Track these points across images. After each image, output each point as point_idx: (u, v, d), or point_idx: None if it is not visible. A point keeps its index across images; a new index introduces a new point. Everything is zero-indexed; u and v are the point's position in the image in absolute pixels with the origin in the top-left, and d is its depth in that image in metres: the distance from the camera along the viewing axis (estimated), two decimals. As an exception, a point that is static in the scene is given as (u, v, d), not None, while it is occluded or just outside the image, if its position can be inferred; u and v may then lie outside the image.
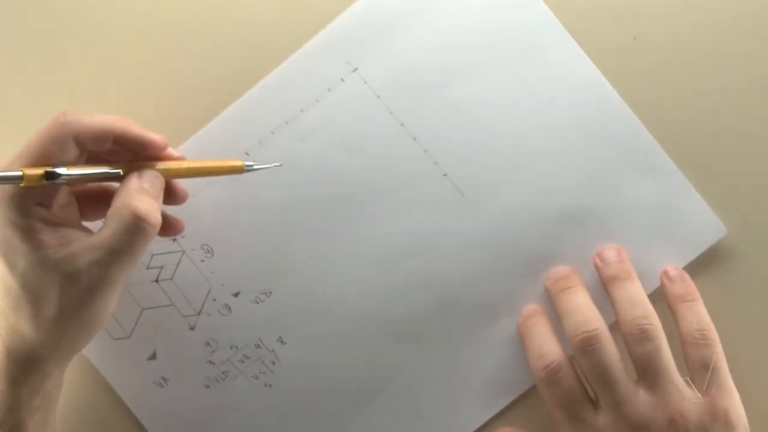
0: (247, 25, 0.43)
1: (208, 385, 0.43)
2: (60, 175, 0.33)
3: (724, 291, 0.42)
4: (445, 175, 0.42)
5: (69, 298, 0.34)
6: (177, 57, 0.43)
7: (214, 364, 0.43)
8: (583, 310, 0.40)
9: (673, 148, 0.42)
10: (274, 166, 0.41)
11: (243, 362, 0.43)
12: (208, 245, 0.42)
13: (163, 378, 0.43)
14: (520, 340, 0.42)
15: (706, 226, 0.42)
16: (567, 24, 0.42)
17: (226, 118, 0.42)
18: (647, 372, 0.38)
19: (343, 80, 0.42)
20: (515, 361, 0.42)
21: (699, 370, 0.39)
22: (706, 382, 0.38)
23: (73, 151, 0.34)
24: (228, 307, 0.43)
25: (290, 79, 0.42)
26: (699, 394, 0.38)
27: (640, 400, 0.38)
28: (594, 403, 0.39)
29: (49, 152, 0.33)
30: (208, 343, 0.43)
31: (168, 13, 0.43)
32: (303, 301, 0.43)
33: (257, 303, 0.43)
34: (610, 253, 0.41)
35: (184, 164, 0.37)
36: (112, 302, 0.36)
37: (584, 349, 0.38)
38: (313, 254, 0.42)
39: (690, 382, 0.39)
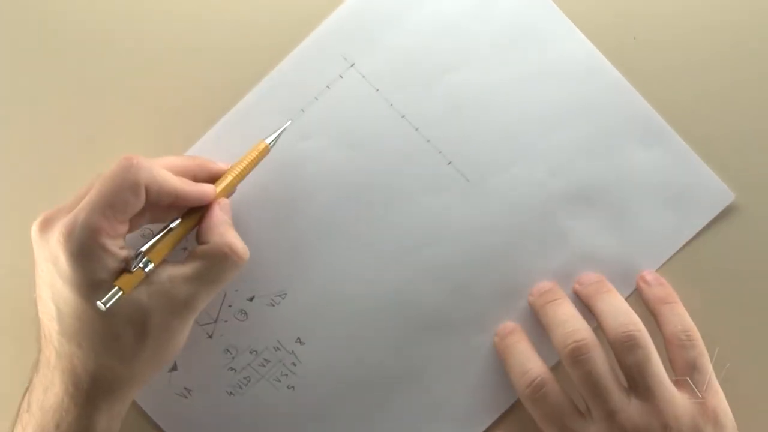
0: (242, 28, 0.43)
1: (231, 392, 0.43)
2: (148, 265, 0.35)
3: (736, 255, 0.42)
4: (449, 163, 0.42)
5: (163, 328, 0.35)
6: (175, 61, 0.43)
7: (235, 370, 0.43)
8: (571, 321, 0.40)
9: (674, 118, 0.42)
10: (287, 125, 0.41)
11: (264, 366, 0.43)
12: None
13: (185, 389, 0.43)
14: (501, 359, 0.42)
15: (713, 193, 0.42)
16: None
17: (227, 123, 0.42)
18: (639, 380, 0.38)
19: (341, 76, 0.42)
20: (538, 344, 0.42)
21: (686, 372, 0.39)
22: (695, 384, 0.38)
23: (142, 199, 0.34)
24: (244, 312, 0.43)
25: (288, 79, 0.42)
26: (689, 397, 0.38)
27: (633, 408, 0.38)
28: (583, 414, 0.39)
29: (124, 201, 0.34)
30: (228, 350, 0.43)
31: (163, 17, 0.43)
32: (318, 300, 0.43)
33: (273, 305, 0.43)
34: (588, 275, 0.42)
35: (233, 177, 0.39)
36: (191, 327, 0.38)
37: (574, 359, 0.38)
38: (324, 252, 0.42)
39: (678, 384, 0.39)
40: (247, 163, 0.39)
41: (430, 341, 0.43)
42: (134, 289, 0.34)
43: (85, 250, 0.33)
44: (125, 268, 0.34)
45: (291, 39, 0.42)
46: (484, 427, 0.43)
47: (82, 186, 0.37)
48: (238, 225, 0.42)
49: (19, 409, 0.37)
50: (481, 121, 0.42)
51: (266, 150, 0.40)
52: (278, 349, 0.43)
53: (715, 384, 0.39)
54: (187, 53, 0.43)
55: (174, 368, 0.43)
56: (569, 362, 0.39)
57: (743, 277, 0.42)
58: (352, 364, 0.43)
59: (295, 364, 0.43)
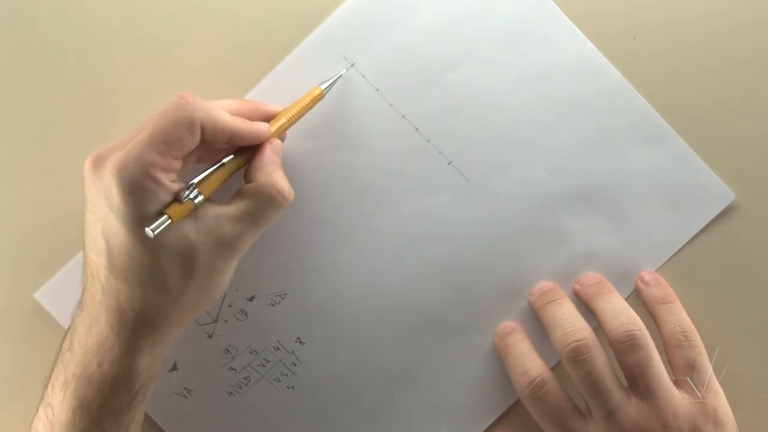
0: (242, 28, 0.43)
1: (231, 392, 0.43)
2: (197, 196, 0.35)
3: (736, 255, 0.42)
4: (449, 163, 0.42)
5: (209, 265, 0.35)
6: (174, 62, 0.43)
7: (235, 370, 0.43)
8: (571, 320, 0.40)
9: (674, 118, 0.42)
10: (343, 73, 0.41)
11: (264, 366, 0.43)
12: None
13: (185, 389, 0.43)
14: (500, 359, 0.42)
15: (713, 193, 0.42)
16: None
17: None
18: (639, 379, 0.38)
19: (341, 76, 0.42)
20: (538, 344, 0.42)
21: (685, 372, 0.39)
22: (695, 384, 0.38)
23: (198, 137, 0.35)
24: (244, 312, 0.43)
25: (288, 79, 0.42)
26: (689, 396, 0.38)
27: (633, 407, 0.38)
28: (582, 413, 0.39)
29: (180, 137, 0.34)
30: (227, 350, 0.43)
31: (163, 18, 0.43)
32: (318, 300, 0.43)
33: (273, 305, 0.43)
34: (588, 275, 0.42)
35: (286, 119, 0.39)
36: (234, 269, 0.38)
37: (574, 359, 0.38)
38: (324, 253, 0.42)
39: (678, 384, 0.39)
40: (301, 106, 0.39)
41: (430, 341, 0.43)
42: (182, 220, 0.34)
43: (138, 183, 0.33)
44: (176, 199, 0.34)
45: (291, 39, 0.42)
46: (484, 427, 0.43)
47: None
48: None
49: (60, 348, 0.37)
50: (481, 121, 0.42)
51: (321, 95, 0.40)
52: (278, 349, 0.43)
53: (715, 384, 0.39)
54: (187, 53, 0.43)
55: (174, 368, 0.43)
56: (569, 362, 0.39)
57: (743, 277, 0.42)
58: (351, 364, 0.43)
59: (295, 364, 0.43)
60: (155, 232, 0.33)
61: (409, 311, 0.43)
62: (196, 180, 0.35)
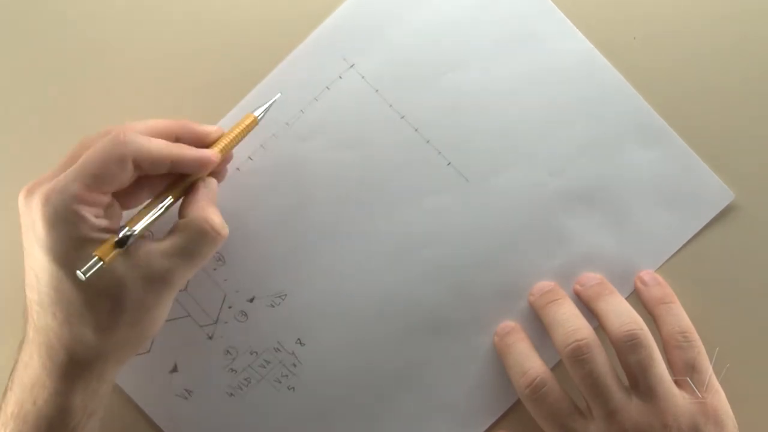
0: (241, 29, 0.42)
1: (231, 394, 0.43)
2: (129, 237, 0.34)
3: (736, 255, 0.42)
4: (449, 163, 0.42)
5: (139, 302, 0.35)
6: (174, 62, 0.43)
7: (236, 371, 0.43)
8: (572, 320, 0.40)
9: (674, 118, 0.42)
10: (276, 99, 0.41)
11: (264, 367, 0.43)
12: (219, 253, 0.42)
13: (186, 390, 0.43)
14: (500, 359, 0.42)
15: (713, 193, 0.42)
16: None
17: (226, 124, 0.42)
18: (641, 379, 0.38)
19: (340, 77, 0.42)
20: (539, 344, 0.42)
21: (685, 372, 0.39)
22: (694, 384, 0.39)
23: (130, 173, 0.34)
24: (244, 314, 0.43)
25: (288, 80, 0.42)
26: (690, 396, 0.38)
27: (634, 407, 0.38)
28: (582, 413, 0.39)
29: (109, 173, 0.33)
30: (228, 351, 0.43)
31: (163, 18, 0.43)
32: (318, 300, 0.43)
33: (273, 306, 0.43)
34: (589, 276, 0.42)
35: (221, 146, 0.38)
36: (170, 305, 0.37)
37: (575, 358, 0.38)
38: (324, 253, 0.42)
39: (678, 384, 0.39)
40: (234, 134, 0.38)
41: (430, 341, 0.43)
42: (113, 257, 0.33)
43: (61, 215, 0.33)
44: (104, 239, 0.34)
45: (291, 39, 0.42)
46: (485, 428, 0.43)
47: (66, 154, 0.36)
48: (237, 227, 0.42)
49: (6, 389, 0.37)
50: (481, 121, 0.42)
51: (254, 123, 0.39)
52: (278, 350, 0.43)
53: (715, 384, 0.39)
54: (187, 54, 0.43)
55: (174, 369, 0.43)
56: (570, 361, 0.39)
57: (743, 277, 0.42)
58: (352, 364, 0.43)
59: (295, 365, 0.43)
60: (87, 275, 0.32)
61: (409, 311, 0.43)
62: (131, 220, 0.35)
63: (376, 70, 0.42)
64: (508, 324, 0.42)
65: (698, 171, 0.42)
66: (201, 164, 0.37)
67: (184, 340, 0.43)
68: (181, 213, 0.37)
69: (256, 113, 0.40)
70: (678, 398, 0.38)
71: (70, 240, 0.33)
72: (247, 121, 0.39)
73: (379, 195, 0.42)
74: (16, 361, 0.37)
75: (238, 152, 0.42)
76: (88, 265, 0.32)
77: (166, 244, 0.35)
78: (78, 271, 0.32)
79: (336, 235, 0.42)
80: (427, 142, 0.42)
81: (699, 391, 0.38)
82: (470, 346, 0.43)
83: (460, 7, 0.42)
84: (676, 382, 0.39)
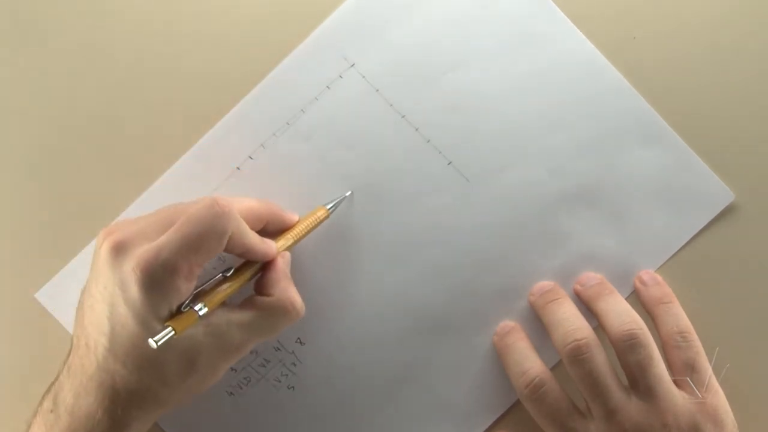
0: (242, 28, 0.43)
1: (231, 393, 0.43)
2: (202, 309, 0.34)
3: (736, 255, 0.42)
4: (449, 163, 0.42)
5: (210, 366, 0.36)
6: (174, 61, 0.43)
7: (236, 370, 0.43)
8: (572, 320, 0.40)
9: (674, 118, 0.42)
10: (348, 195, 0.42)
11: (264, 366, 0.43)
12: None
13: (186, 389, 0.43)
14: (500, 359, 0.42)
15: (713, 193, 0.42)
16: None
17: (226, 124, 0.42)
18: (640, 379, 0.38)
19: (341, 77, 0.42)
20: (539, 344, 0.42)
21: (684, 372, 0.39)
22: (694, 384, 0.39)
23: (223, 248, 0.35)
24: (244, 313, 0.43)
25: (288, 79, 0.42)
26: (689, 396, 0.38)
27: (633, 407, 0.38)
28: (582, 413, 0.39)
29: (208, 247, 0.34)
30: (228, 350, 0.43)
31: (163, 18, 0.43)
32: (318, 300, 0.42)
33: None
34: (589, 276, 0.42)
35: (293, 240, 0.39)
36: None
37: (575, 358, 0.38)
38: (324, 253, 0.42)
39: (678, 384, 0.39)
40: (305, 226, 0.40)
41: (430, 341, 0.43)
42: (186, 330, 0.34)
43: (159, 288, 0.33)
44: (180, 308, 0.34)
45: (291, 39, 0.42)
46: (485, 427, 0.43)
47: (158, 210, 0.37)
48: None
49: (41, 404, 0.37)
50: (481, 121, 0.42)
51: (326, 215, 0.41)
52: (278, 349, 0.43)
53: (715, 383, 0.39)
54: (187, 53, 0.43)
55: (174, 368, 0.43)
56: (570, 361, 0.39)
57: (743, 277, 0.42)
58: (351, 364, 0.43)
59: (295, 365, 0.43)
60: (158, 344, 0.32)
61: (409, 311, 0.43)
62: (203, 291, 0.36)
63: (376, 70, 0.42)
64: (508, 324, 0.42)
65: (698, 171, 0.42)
66: (265, 256, 0.37)
67: (184, 339, 0.43)
68: (262, 290, 0.38)
69: (328, 207, 0.41)
70: (677, 398, 0.38)
71: (163, 311, 0.34)
72: (319, 214, 0.40)
73: (379, 194, 0.42)
74: (58, 382, 0.37)
75: (239, 152, 0.42)
76: (161, 334, 0.32)
77: (247, 318, 0.36)
78: (150, 339, 0.32)
79: (335, 234, 0.42)
80: (428, 141, 0.42)
81: (698, 391, 0.38)
82: (470, 345, 0.43)
83: (460, 7, 0.42)
84: (676, 382, 0.39)
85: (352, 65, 0.42)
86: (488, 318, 0.43)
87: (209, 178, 0.42)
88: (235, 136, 0.42)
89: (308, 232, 0.40)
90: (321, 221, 0.41)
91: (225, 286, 0.36)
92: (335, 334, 0.43)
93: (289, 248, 0.39)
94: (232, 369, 0.43)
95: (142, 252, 0.34)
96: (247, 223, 0.36)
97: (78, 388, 0.35)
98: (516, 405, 0.43)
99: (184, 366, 0.35)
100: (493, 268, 0.42)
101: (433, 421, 0.43)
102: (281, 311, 0.37)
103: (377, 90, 0.42)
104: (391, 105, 0.42)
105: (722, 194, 0.42)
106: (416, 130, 0.42)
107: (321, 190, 0.42)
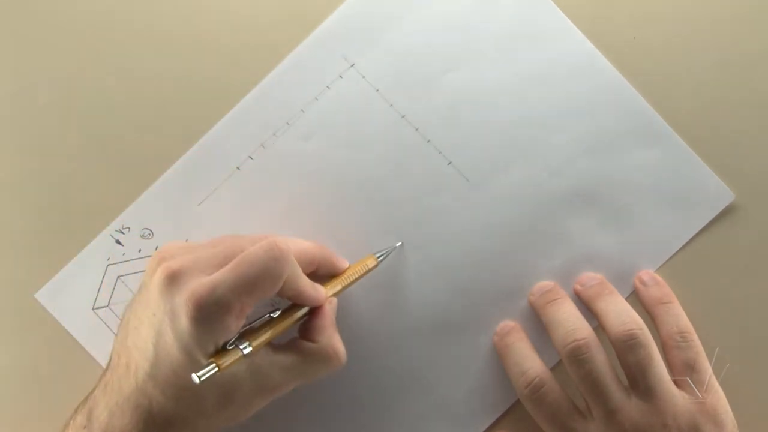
0: (242, 28, 0.43)
1: (231, 392, 0.43)
2: (247, 347, 0.34)
3: (736, 255, 0.42)
4: (449, 163, 0.42)
5: (247, 402, 0.36)
6: (174, 61, 0.43)
7: (236, 370, 0.43)
8: (572, 320, 0.40)
9: (674, 118, 0.42)
10: (398, 246, 0.42)
11: (264, 366, 0.43)
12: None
13: (185, 389, 0.43)
14: (500, 359, 0.42)
15: (713, 193, 0.42)
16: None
17: (226, 124, 0.42)
18: (640, 379, 0.38)
19: (341, 77, 0.42)
20: (539, 344, 0.42)
21: (684, 372, 0.39)
22: (694, 384, 0.39)
23: (279, 288, 0.35)
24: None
25: (288, 80, 0.42)
26: (689, 396, 0.38)
27: (633, 407, 0.38)
28: (582, 413, 0.39)
29: (263, 288, 0.34)
30: (228, 350, 0.43)
31: (163, 18, 0.43)
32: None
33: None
34: (589, 276, 0.42)
35: (342, 286, 0.40)
36: None
37: (575, 358, 0.38)
38: (324, 253, 0.43)
39: (678, 384, 0.39)
40: (355, 274, 0.40)
41: (431, 341, 0.43)
42: (229, 368, 0.34)
43: (210, 324, 0.33)
44: (225, 344, 0.34)
45: (291, 39, 0.42)
46: (485, 427, 0.43)
47: (215, 241, 0.37)
48: (237, 227, 0.42)
49: (74, 417, 0.37)
50: (482, 121, 0.42)
51: (375, 265, 0.41)
52: (278, 349, 0.43)
53: (715, 384, 0.39)
54: (187, 53, 0.43)
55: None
56: (570, 361, 0.39)
57: (743, 277, 0.42)
58: (352, 364, 0.43)
59: (295, 364, 0.43)
60: (201, 379, 0.32)
61: (409, 311, 0.43)
62: (249, 329, 0.36)
63: (376, 70, 0.42)
64: (508, 324, 0.42)
65: (698, 171, 0.42)
66: (314, 301, 0.38)
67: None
68: (308, 334, 0.38)
69: (377, 256, 0.41)
70: (677, 398, 0.38)
71: (208, 344, 0.34)
72: (368, 263, 0.41)
73: (380, 194, 0.42)
74: (93, 397, 0.37)
75: (239, 152, 0.42)
76: (205, 370, 0.32)
77: (289, 361, 0.36)
78: (194, 375, 0.32)
79: (335, 234, 0.42)
80: (428, 141, 0.42)
81: (698, 391, 0.38)
82: (470, 345, 0.43)
83: (460, 7, 0.42)
84: (676, 382, 0.39)
85: (352, 65, 0.42)
86: (488, 318, 0.43)
87: (209, 178, 0.42)
88: (235, 136, 0.42)
89: (357, 279, 0.40)
90: (370, 270, 0.41)
91: (272, 327, 0.36)
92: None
93: (336, 295, 0.39)
94: (232, 369, 0.43)
95: (197, 286, 0.33)
96: (300, 265, 0.36)
97: (113, 407, 0.35)
98: (516, 405, 0.43)
99: (221, 400, 0.35)
100: (493, 268, 0.42)
101: (433, 421, 0.43)
102: (324, 358, 0.37)
103: (377, 90, 0.42)
104: (391, 105, 0.42)
105: (722, 194, 0.42)
106: (416, 130, 0.42)
107: (320, 190, 0.42)
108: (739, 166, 0.42)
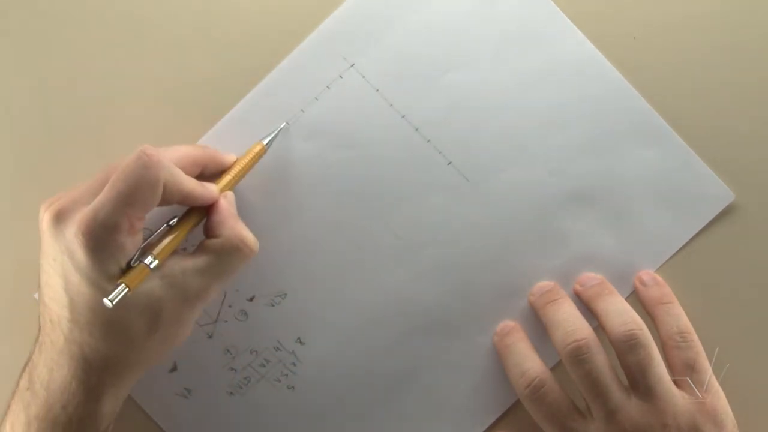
0: (242, 28, 0.43)
1: (231, 392, 0.43)
2: (153, 262, 0.34)
3: (736, 255, 0.42)
4: (449, 163, 0.42)
5: (175, 318, 0.36)
6: (175, 61, 0.43)
7: (236, 370, 0.43)
8: (571, 320, 0.40)
9: (674, 118, 0.42)
10: (282, 126, 0.41)
11: (264, 366, 0.43)
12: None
13: (186, 389, 0.43)
14: (500, 359, 0.42)
15: (713, 193, 0.42)
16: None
17: (227, 123, 0.42)
18: (640, 379, 0.38)
19: (341, 77, 0.42)
20: (539, 344, 0.42)
21: (683, 372, 0.39)
22: (694, 384, 0.39)
23: (159, 198, 0.34)
24: (244, 313, 0.43)
25: (288, 79, 0.42)
26: (689, 396, 0.38)
27: (633, 407, 0.38)
28: (582, 413, 0.39)
29: (143, 198, 0.34)
30: (228, 350, 0.43)
31: (163, 18, 0.43)
32: (318, 300, 0.43)
33: (273, 306, 0.43)
34: (589, 276, 0.42)
35: (231, 177, 0.39)
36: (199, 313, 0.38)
37: (575, 358, 0.39)
38: (324, 253, 0.42)
39: (677, 384, 0.39)
40: (244, 163, 0.40)
41: (430, 341, 0.43)
42: (140, 284, 0.34)
43: (104, 247, 0.33)
44: (129, 264, 0.34)
45: (291, 39, 0.42)
46: (484, 427, 0.43)
47: (92, 175, 0.36)
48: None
49: (17, 385, 0.37)
50: (481, 121, 0.42)
51: (263, 150, 0.40)
52: (278, 349, 0.43)
53: (715, 384, 0.39)
54: (187, 53, 0.43)
55: (174, 368, 0.43)
56: (570, 361, 0.39)
57: (743, 277, 0.42)
58: (352, 364, 0.43)
59: (295, 364, 0.43)
60: (114, 302, 0.32)
61: (409, 311, 0.43)
62: (145, 244, 0.35)
63: (376, 70, 0.42)
64: (508, 324, 0.42)
65: (698, 171, 0.42)
66: (206, 200, 0.37)
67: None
68: (211, 232, 0.38)
69: (264, 141, 0.41)
70: (677, 398, 0.38)
71: (113, 269, 0.34)
72: (256, 150, 0.40)
73: (379, 194, 0.42)
74: (31, 362, 0.37)
75: (239, 152, 0.42)
76: (115, 292, 0.32)
77: (201, 263, 0.36)
78: (105, 299, 0.32)
79: (335, 234, 0.42)
80: (428, 141, 0.42)
81: (698, 391, 0.38)
82: (470, 345, 0.43)
83: (461, 7, 0.42)
84: (676, 383, 0.39)
85: (352, 65, 0.42)
86: (488, 318, 0.43)
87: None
88: (235, 136, 0.42)
89: (247, 169, 0.40)
90: (259, 157, 0.40)
91: (171, 235, 0.36)
92: (335, 334, 0.43)
93: (230, 187, 0.39)
94: (231, 369, 0.43)
95: (80, 216, 0.34)
96: (183, 169, 0.36)
97: (50, 363, 0.35)
98: (516, 405, 0.43)
99: (149, 322, 0.35)
100: (493, 268, 0.42)
101: (433, 421, 0.43)
102: (233, 250, 0.37)
103: (377, 90, 0.42)
104: (391, 105, 0.42)
105: (722, 194, 0.42)
106: (416, 130, 0.42)
107: (320, 190, 0.42)
108: (739, 166, 0.42)
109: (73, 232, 0.33)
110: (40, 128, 0.43)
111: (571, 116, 0.42)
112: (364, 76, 0.42)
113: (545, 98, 0.42)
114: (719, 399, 0.39)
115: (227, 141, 0.42)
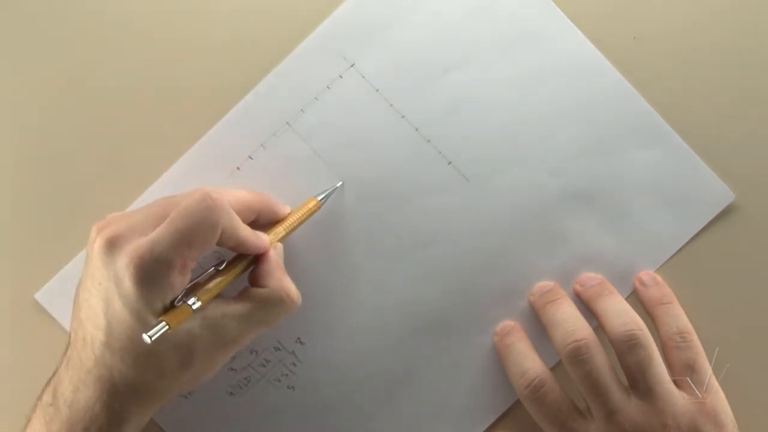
0: (242, 28, 0.43)
1: (231, 393, 0.43)
2: (195, 303, 0.34)
3: (736, 255, 0.42)
4: (449, 163, 0.42)
5: (208, 359, 0.36)
6: (175, 61, 0.43)
7: (236, 370, 0.43)
8: (571, 320, 0.40)
9: (674, 118, 0.42)
10: (338, 185, 0.42)
11: (264, 366, 0.43)
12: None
13: (186, 389, 0.43)
14: (500, 359, 0.42)
15: (713, 193, 0.42)
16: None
17: (226, 124, 0.42)
18: (640, 379, 0.38)
19: (341, 77, 0.42)
20: (539, 344, 0.42)
21: (683, 373, 0.39)
22: (694, 384, 0.39)
23: (215, 241, 0.35)
24: (244, 313, 0.43)
25: (288, 79, 0.42)
26: (689, 396, 0.38)
27: (633, 407, 0.38)
28: (582, 413, 0.39)
29: (201, 240, 0.34)
30: (228, 350, 0.43)
31: (163, 18, 0.43)
32: (319, 300, 0.43)
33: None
34: (589, 276, 0.42)
35: (284, 231, 0.39)
36: None
37: (575, 358, 0.39)
38: (323, 253, 0.42)
39: (677, 384, 0.39)
40: (299, 218, 0.40)
41: (431, 341, 0.43)
42: (180, 324, 0.34)
43: (154, 282, 0.33)
44: (173, 302, 0.34)
45: (291, 39, 0.42)
46: (484, 427, 0.43)
47: (150, 204, 0.36)
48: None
49: (40, 398, 0.37)
50: (481, 121, 0.42)
51: (317, 207, 0.41)
52: (278, 349, 0.43)
53: (715, 384, 0.39)
54: (187, 53, 0.43)
55: (174, 368, 0.43)
56: (569, 361, 0.39)
57: (743, 277, 0.42)
58: (352, 364, 0.43)
59: (295, 364, 0.43)
60: (153, 339, 0.32)
61: (409, 311, 0.43)
62: (197, 284, 0.35)
63: (376, 70, 0.42)
64: (508, 324, 0.42)
65: (698, 171, 0.42)
66: (257, 249, 0.37)
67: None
68: (256, 282, 0.38)
69: (319, 198, 0.41)
70: (677, 398, 0.38)
71: (155, 303, 0.34)
72: (310, 205, 0.40)
73: (379, 194, 0.42)
74: (57, 376, 0.37)
75: (238, 152, 0.42)
76: (155, 329, 0.32)
77: (242, 310, 0.36)
78: (144, 335, 0.32)
79: (335, 234, 0.42)
80: (428, 141, 0.42)
81: (698, 392, 0.38)
82: (470, 345, 0.43)
83: (460, 7, 0.42)
84: (676, 383, 0.39)
85: (352, 65, 0.42)
86: (488, 318, 0.43)
87: (209, 178, 0.42)
88: (235, 136, 0.42)
89: (300, 223, 0.40)
90: (312, 212, 0.41)
91: (218, 279, 0.36)
92: (335, 334, 0.43)
93: (281, 240, 0.39)
94: (231, 369, 0.43)
95: (135, 247, 0.33)
96: (239, 215, 0.36)
97: (77, 382, 0.35)
98: (516, 405, 0.43)
99: (182, 359, 0.35)
100: (493, 268, 0.42)
101: (433, 421, 0.43)
102: (276, 301, 0.37)
103: (377, 90, 0.42)
104: (391, 105, 0.42)
105: (722, 194, 0.42)
106: (416, 130, 0.42)
107: (320, 190, 0.42)
108: (739, 166, 0.42)
109: (125, 263, 0.33)
110: (39, 128, 0.43)
111: (571, 116, 0.42)
112: (364, 76, 0.42)
113: (545, 98, 0.42)
114: (719, 399, 0.39)
115: (228, 141, 0.42)
